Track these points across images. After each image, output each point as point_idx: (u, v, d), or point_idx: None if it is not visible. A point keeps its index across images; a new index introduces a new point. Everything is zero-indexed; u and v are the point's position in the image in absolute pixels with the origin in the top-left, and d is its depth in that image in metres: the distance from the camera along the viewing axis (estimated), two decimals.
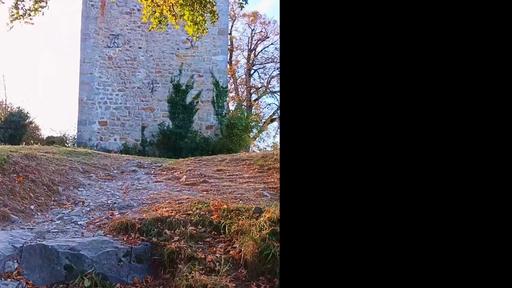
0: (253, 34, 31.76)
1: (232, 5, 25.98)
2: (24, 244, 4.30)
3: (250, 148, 23.12)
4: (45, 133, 18.74)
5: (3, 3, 7.43)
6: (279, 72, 30.11)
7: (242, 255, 4.10)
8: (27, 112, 17.57)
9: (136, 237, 4.65)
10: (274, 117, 30.63)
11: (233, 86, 30.93)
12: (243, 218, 4.69)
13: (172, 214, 5.06)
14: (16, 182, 6.09)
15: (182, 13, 7.22)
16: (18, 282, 3.90)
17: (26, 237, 4.52)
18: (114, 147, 16.11)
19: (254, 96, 32.16)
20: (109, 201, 6.31)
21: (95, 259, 4.19)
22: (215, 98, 17.57)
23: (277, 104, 30.57)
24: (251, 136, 22.45)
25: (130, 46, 17.09)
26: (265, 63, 31.75)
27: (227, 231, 4.60)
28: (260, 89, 32.22)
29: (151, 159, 11.46)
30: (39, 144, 12.40)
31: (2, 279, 3.88)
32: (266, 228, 4.26)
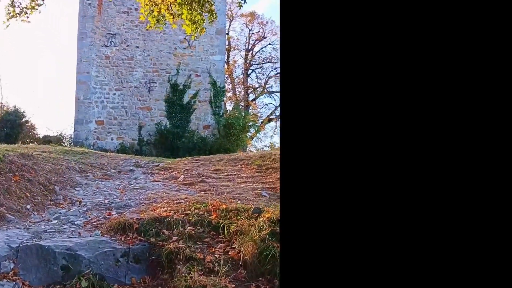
0: (250, 34, 31.79)
1: (230, 5, 25.99)
2: (20, 244, 4.23)
3: (247, 148, 23.12)
4: (41, 132, 18.75)
5: None
6: (277, 72, 30.22)
7: (242, 256, 4.06)
8: (23, 111, 17.55)
9: (134, 237, 4.60)
10: (271, 117, 30.68)
11: (230, 86, 30.92)
12: (242, 218, 4.64)
13: (170, 214, 5.01)
14: (12, 181, 6.03)
15: (180, 12, 7.17)
16: (14, 282, 3.84)
17: (22, 237, 4.46)
18: (111, 147, 16.06)
19: (251, 96, 32.17)
20: (106, 201, 6.25)
21: (92, 259, 4.14)
22: (212, 98, 17.56)
23: (275, 104, 30.64)
24: (249, 136, 22.45)
25: (127, 45, 17.04)
26: (262, 63, 31.80)
27: (226, 231, 4.55)
28: (258, 89, 32.22)
29: (149, 158, 11.41)
30: (35, 143, 12.33)
31: None
32: (265, 229, 4.22)
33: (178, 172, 8.62)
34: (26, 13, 7.00)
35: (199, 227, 4.71)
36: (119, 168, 9.22)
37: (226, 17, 23.01)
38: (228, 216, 4.82)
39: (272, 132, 30.53)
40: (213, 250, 4.30)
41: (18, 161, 6.78)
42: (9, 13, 6.98)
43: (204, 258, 4.10)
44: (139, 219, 4.90)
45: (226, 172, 8.64)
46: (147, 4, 7.39)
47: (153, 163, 10.07)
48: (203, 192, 6.75)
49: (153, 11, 7.37)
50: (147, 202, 6.02)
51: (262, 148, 27.85)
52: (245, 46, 32.01)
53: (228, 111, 21.24)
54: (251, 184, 7.52)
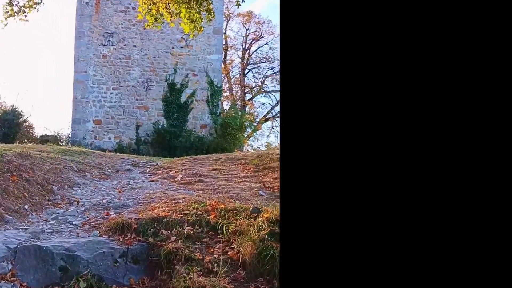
0: (247, 34, 31.76)
1: (227, 4, 25.97)
2: (18, 245, 4.22)
3: (244, 148, 23.10)
4: (39, 131, 18.65)
5: None
6: (273, 72, 30.27)
7: (241, 256, 4.05)
8: (21, 111, 17.46)
9: (132, 237, 4.59)
10: (268, 116, 30.66)
11: (227, 85, 30.90)
12: (240, 218, 4.64)
13: (169, 214, 5.00)
14: (10, 181, 6.01)
15: (178, 11, 7.16)
16: (12, 284, 3.83)
17: (20, 238, 4.45)
18: (108, 146, 16.03)
19: (248, 96, 32.12)
20: (104, 201, 6.24)
21: (90, 260, 4.13)
22: (209, 97, 17.54)
23: (271, 103, 30.62)
24: (245, 136, 22.44)
25: (124, 45, 17.00)
26: (259, 63, 31.77)
27: (224, 231, 4.55)
28: (254, 88, 32.19)
29: (146, 158, 11.39)
30: (33, 142, 12.30)
31: None
32: (264, 229, 4.21)
33: (175, 172, 8.60)
34: (24, 12, 6.97)
35: (197, 227, 4.71)
36: (117, 168, 9.20)
37: (223, 16, 22.98)
38: (226, 216, 4.81)
39: (269, 131, 30.58)
40: (212, 250, 4.29)
41: (16, 160, 6.76)
42: (7, 12, 6.95)
43: (203, 258, 4.10)
44: (137, 219, 4.90)
45: (224, 172, 8.63)
46: (145, 3, 7.38)
47: (150, 162, 10.05)
48: (201, 192, 6.74)
49: (151, 9, 7.36)
50: (145, 202, 6.01)
51: (259, 147, 27.85)
52: (242, 45, 32.02)
53: (225, 110, 21.23)
54: (248, 183, 7.52)
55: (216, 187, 7.11)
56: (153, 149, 16.47)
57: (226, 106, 26.59)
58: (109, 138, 16.74)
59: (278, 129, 28.24)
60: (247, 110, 29.08)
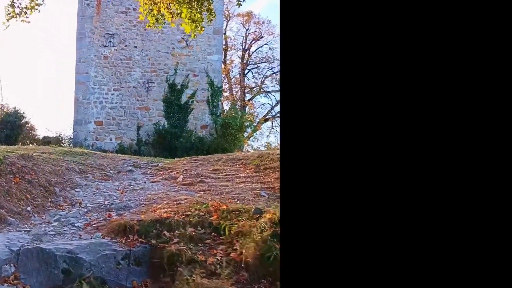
0: (247, 34, 31.72)
1: (227, 5, 25.96)
2: (21, 247, 4.22)
3: (244, 148, 23.08)
4: (41, 133, 18.68)
5: None
6: (273, 72, 30.23)
7: (243, 258, 4.04)
8: (23, 112, 17.49)
9: (134, 239, 4.58)
10: (268, 116, 30.63)
11: (227, 85, 30.87)
12: (243, 219, 4.64)
13: (171, 215, 5.00)
14: (13, 183, 6.01)
15: (180, 11, 7.17)
16: (15, 287, 3.83)
17: (23, 240, 4.45)
18: (110, 147, 16.02)
19: (248, 96, 32.10)
20: (106, 202, 6.23)
21: (93, 262, 4.13)
22: (210, 98, 17.52)
23: (271, 103, 30.58)
24: (245, 136, 22.42)
25: (125, 46, 17.00)
26: (259, 63, 31.72)
27: (227, 232, 4.54)
28: (254, 89, 32.16)
29: (147, 158, 11.38)
30: (35, 144, 12.31)
31: None
32: (267, 230, 4.21)
33: (177, 172, 8.60)
34: (25, 13, 6.98)
35: (200, 228, 4.70)
36: (118, 169, 9.20)
37: (223, 16, 22.97)
38: (229, 217, 4.80)
39: (269, 131, 30.53)
40: (215, 252, 4.28)
41: (18, 162, 6.77)
42: (9, 13, 6.95)
43: (205, 260, 4.09)
44: (139, 220, 4.89)
45: (225, 172, 8.62)
46: (146, 3, 7.39)
47: (152, 163, 10.04)
48: (202, 193, 6.73)
49: (152, 10, 7.36)
50: (147, 203, 6.01)
51: (259, 147, 27.80)
52: (242, 46, 31.98)
53: (225, 111, 21.23)
54: (249, 184, 7.51)
55: (218, 188, 7.11)
56: (154, 150, 16.47)
57: (226, 106, 26.58)
58: (111, 139, 16.74)
59: (278, 129, 28.24)
60: (247, 110, 29.04)
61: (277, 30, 29.52)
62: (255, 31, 31.62)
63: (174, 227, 4.72)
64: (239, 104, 29.52)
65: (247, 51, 31.90)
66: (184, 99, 17.28)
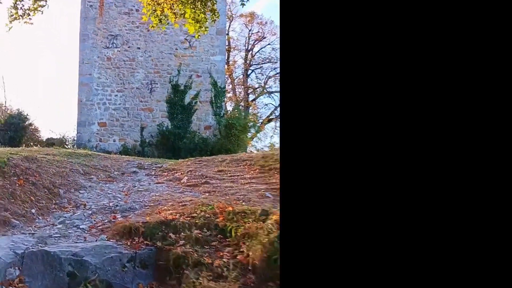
0: (250, 35, 31.69)
1: (229, 5, 25.94)
2: (25, 250, 4.19)
3: (248, 148, 23.04)
4: (44, 134, 18.67)
5: (0, 3, 7.33)
6: (276, 73, 30.14)
7: (250, 260, 3.99)
8: (27, 114, 17.49)
9: (140, 241, 4.54)
10: (271, 117, 30.57)
11: (230, 86, 30.84)
12: (249, 221, 4.58)
13: (176, 217, 4.96)
14: (17, 185, 5.98)
15: (183, 12, 7.14)
16: None
17: (27, 243, 4.42)
18: (113, 148, 16.01)
19: (251, 97, 32.08)
20: (111, 204, 6.20)
21: (98, 265, 4.09)
22: (213, 99, 17.50)
23: (274, 104, 30.52)
24: (249, 136, 22.38)
25: (128, 47, 17.00)
26: (262, 63, 31.68)
27: (233, 234, 4.49)
28: (257, 89, 32.13)
29: (151, 160, 11.35)
30: (38, 146, 12.30)
31: (4, 287, 3.77)
32: (274, 231, 4.15)
33: (181, 174, 8.56)
34: (28, 15, 6.96)
35: (206, 230, 4.66)
36: (123, 170, 9.16)
37: (226, 17, 22.94)
38: (235, 219, 4.75)
39: (272, 132, 30.43)
40: (221, 254, 4.23)
41: (22, 164, 6.74)
42: (12, 15, 6.93)
43: (212, 262, 4.04)
44: (144, 222, 4.85)
45: (230, 173, 8.57)
46: (149, 4, 7.36)
47: (156, 164, 10.01)
48: (207, 194, 6.69)
49: (155, 10, 7.34)
50: (152, 204, 5.97)
51: (262, 148, 27.78)
52: (245, 46, 31.96)
53: (229, 111, 21.20)
54: (254, 185, 7.46)
55: (222, 189, 7.06)
56: (157, 151, 16.46)
57: (229, 107, 26.59)
58: (114, 140, 16.74)
59: None
60: (250, 111, 29.03)
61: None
62: (258, 31, 31.62)
63: (180, 229, 4.67)
64: (243, 104, 29.48)
65: (250, 52, 31.90)
66: (187, 100, 17.26)
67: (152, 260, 4.33)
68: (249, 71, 31.73)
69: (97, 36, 16.89)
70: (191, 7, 7.06)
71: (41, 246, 4.34)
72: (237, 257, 4.12)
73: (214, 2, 7.61)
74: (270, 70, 31.02)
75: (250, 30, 31.58)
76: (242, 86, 31.76)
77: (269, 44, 31.18)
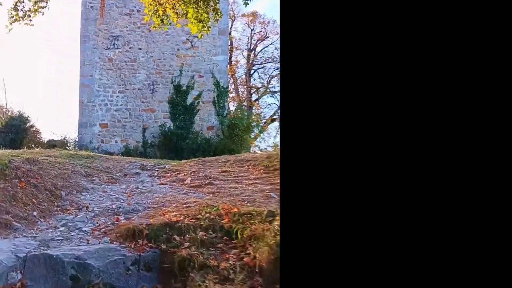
0: (252, 34, 31.68)
1: (231, 5, 25.88)
2: (27, 254, 4.11)
3: (251, 149, 22.97)
4: (45, 136, 18.64)
5: (0, 4, 7.26)
6: (279, 72, 30.06)
7: (257, 262, 3.90)
8: (28, 116, 17.46)
9: (144, 243, 4.45)
10: (274, 117, 30.50)
11: (233, 86, 30.83)
12: (255, 222, 4.49)
13: (181, 218, 4.87)
14: (18, 187, 5.91)
15: (185, 11, 7.07)
16: None
17: (29, 246, 4.33)
18: (115, 149, 15.97)
19: (254, 96, 32.02)
20: (113, 206, 6.12)
21: (102, 268, 4.00)
22: (216, 99, 17.46)
23: (277, 104, 30.47)
24: (252, 137, 22.32)
25: (130, 48, 16.95)
26: (265, 63, 31.67)
27: (239, 236, 4.40)
28: (260, 89, 32.09)
29: (154, 161, 11.28)
30: (40, 147, 12.24)
31: None
32: None
33: (184, 174, 8.48)
34: (29, 16, 6.89)
35: (211, 232, 4.56)
36: (125, 171, 9.09)
37: (228, 17, 22.89)
38: (240, 220, 4.65)
39: (275, 132, 30.35)
40: (227, 256, 4.14)
41: (24, 166, 6.67)
42: (12, 17, 6.86)
43: (218, 265, 3.94)
44: (148, 224, 4.76)
45: (234, 174, 8.49)
46: (151, 4, 7.29)
47: (158, 165, 9.93)
48: (211, 195, 6.61)
49: (157, 10, 7.27)
50: (155, 206, 5.88)
51: (266, 148, 27.72)
52: (247, 46, 31.96)
53: (232, 111, 21.14)
54: (259, 185, 7.37)
55: (227, 190, 6.98)
56: (160, 152, 16.40)
57: (232, 107, 26.52)
58: (116, 142, 16.69)
59: None
60: (253, 110, 28.99)
61: None
62: (260, 31, 31.62)
63: (185, 231, 4.58)
64: (245, 104, 29.44)
65: (253, 51, 31.87)
66: (189, 100, 17.22)
67: (156, 263, 4.24)
68: (252, 71, 31.72)
69: (98, 37, 16.85)
70: (194, 6, 6.99)
71: (43, 249, 4.26)
72: (244, 259, 4.03)
73: (217, 1, 7.54)
74: (273, 69, 31.02)
75: (252, 30, 31.60)
76: (245, 86, 31.74)
77: (271, 44, 31.21)
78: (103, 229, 5.04)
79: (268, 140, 29.90)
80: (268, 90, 31.28)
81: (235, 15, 30.28)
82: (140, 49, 17.03)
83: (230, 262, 4.00)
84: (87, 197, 6.75)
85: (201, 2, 6.94)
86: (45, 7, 7.10)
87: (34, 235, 4.84)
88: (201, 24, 7.06)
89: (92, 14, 16.93)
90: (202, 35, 7.43)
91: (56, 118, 38.65)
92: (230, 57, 29.15)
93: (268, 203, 5.92)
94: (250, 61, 31.61)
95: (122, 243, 4.51)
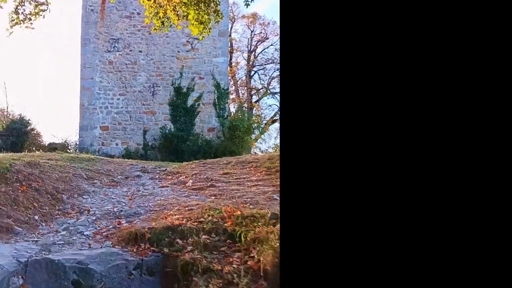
0: (252, 36, 31.68)
1: (231, 7, 25.87)
2: (29, 258, 4.06)
3: (252, 150, 22.93)
4: (46, 139, 18.63)
5: (1, 7, 7.22)
6: (279, 73, 30.02)
7: (262, 266, 3.85)
8: (29, 119, 17.46)
9: (146, 247, 4.41)
10: (275, 118, 30.46)
11: (233, 88, 30.79)
12: (259, 225, 4.44)
13: (183, 222, 4.82)
14: (20, 191, 5.87)
15: (186, 13, 7.03)
16: None
17: (31, 251, 4.29)
18: (116, 152, 15.93)
19: (254, 98, 31.99)
20: (115, 209, 6.07)
21: (104, 273, 3.95)
22: (216, 100, 17.43)
23: (278, 105, 30.42)
24: (253, 138, 22.28)
25: (130, 50, 16.93)
26: (265, 64, 31.66)
27: (243, 239, 4.35)
28: (261, 90, 32.05)
29: (155, 163, 11.23)
30: (41, 151, 12.21)
31: None
32: None
33: (186, 177, 8.44)
34: (30, 19, 6.86)
35: (214, 236, 4.51)
36: (126, 174, 9.05)
37: (228, 19, 22.86)
38: (244, 223, 4.60)
39: (276, 133, 30.26)
40: (231, 260, 4.08)
41: (25, 170, 6.63)
42: (13, 20, 6.83)
43: (222, 269, 3.89)
44: (150, 228, 4.72)
45: (235, 176, 8.45)
46: (151, 6, 7.26)
47: (159, 167, 9.88)
48: (213, 197, 6.57)
49: (158, 13, 7.23)
50: (157, 209, 5.85)
51: (266, 149, 27.66)
52: (247, 47, 31.94)
53: (232, 113, 21.11)
54: (262, 187, 7.34)
55: (229, 192, 6.94)
56: (160, 154, 16.37)
57: (232, 108, 26.50)
58: (117, 144, 16.66)
59: None
60: (254, 112, 28.96)
61: None
62: (261, 32, 31.63)
63: (187, 234, 4.53)
64: (246, 106, 29.42)
65: (253, 53, 31.86)
66: (190, 102, 17.19)
67: (159, 267, 4.19)
68: (252, 72, 31.69)
69: (98, 40, 16.83)
70: (195, 8, 6.95)
71: (44, 254, 4.22)
72: (248, 263, 3.97)
73: (218, 3, 7.51)
74: (273, 71, 31.01)
75: (252, 31, 31.59)
76: (245, 88, 31.72)
77: (271, 45, 31.20)
78: (105, 233, 5.00)
79: (269, 141, 29.87)
80: (268, 92, 31.27)
81: (235, 17, 30.30)
82: (141, 51, 17.02)
83: (234, 265, 3.95)
84: (89, 200, 6.71)
85: (202, 3, 6.90)
86: (46, 10, 7.07)
87: (36, 239, 4.79)
88: (202, 26, 7.03)
89: (93, 17, 16.92)
90: (203, 36, 7.39)
91: (57, 120, 38.61)
92: (230, 59, 29.13)
93: (271, 205, 5.88)
94: (250, 63, 31.60)
95: (124, 247, 4.47)
